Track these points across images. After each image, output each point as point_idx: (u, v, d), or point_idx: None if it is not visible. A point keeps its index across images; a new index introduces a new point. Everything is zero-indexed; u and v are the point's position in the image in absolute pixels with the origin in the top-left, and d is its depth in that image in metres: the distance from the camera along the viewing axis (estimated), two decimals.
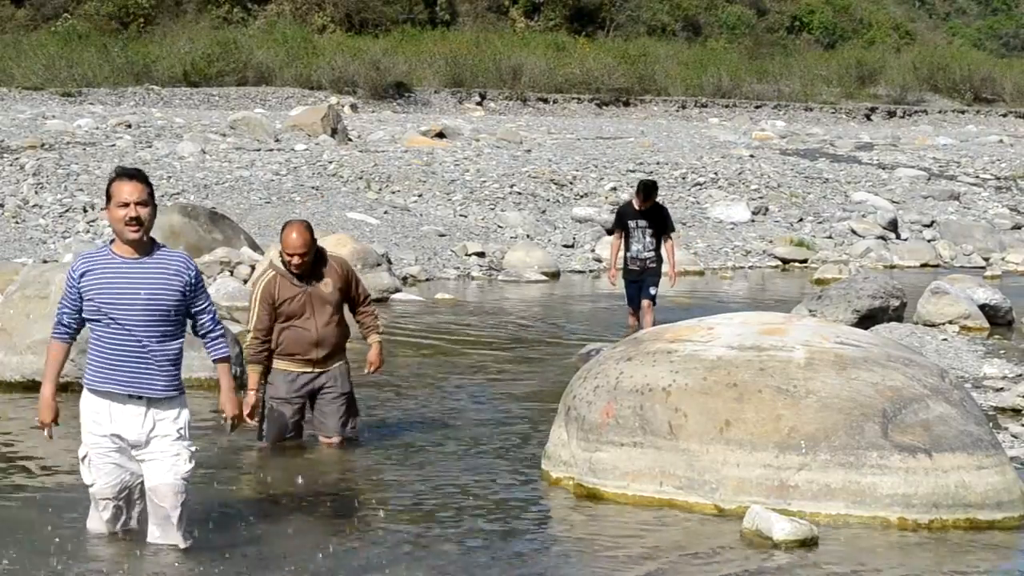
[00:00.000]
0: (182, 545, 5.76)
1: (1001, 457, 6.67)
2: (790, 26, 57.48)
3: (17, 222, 17.10)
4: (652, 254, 12.31)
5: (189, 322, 5.85)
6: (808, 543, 6.03)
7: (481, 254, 17.98)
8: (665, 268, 12.52)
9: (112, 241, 5.75)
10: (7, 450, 7.81)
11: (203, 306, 5.80)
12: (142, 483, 5.78)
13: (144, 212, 5.61)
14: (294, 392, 7.74)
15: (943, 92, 51.92)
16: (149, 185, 5.70)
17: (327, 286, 7.67)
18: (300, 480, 7.24)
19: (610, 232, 13.01)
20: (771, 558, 5.90)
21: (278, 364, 7.71)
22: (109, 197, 5.68)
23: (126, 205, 5.59)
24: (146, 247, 5.69)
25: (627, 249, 12.41)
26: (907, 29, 61.77)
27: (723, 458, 6.54)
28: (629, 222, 12.39)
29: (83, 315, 5.68)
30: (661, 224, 12.40)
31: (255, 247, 16.00)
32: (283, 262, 7.62)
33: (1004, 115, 49.46)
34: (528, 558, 5.97)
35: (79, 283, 5.64)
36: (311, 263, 7.62)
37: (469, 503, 6.86)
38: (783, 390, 6.62)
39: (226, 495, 6.89)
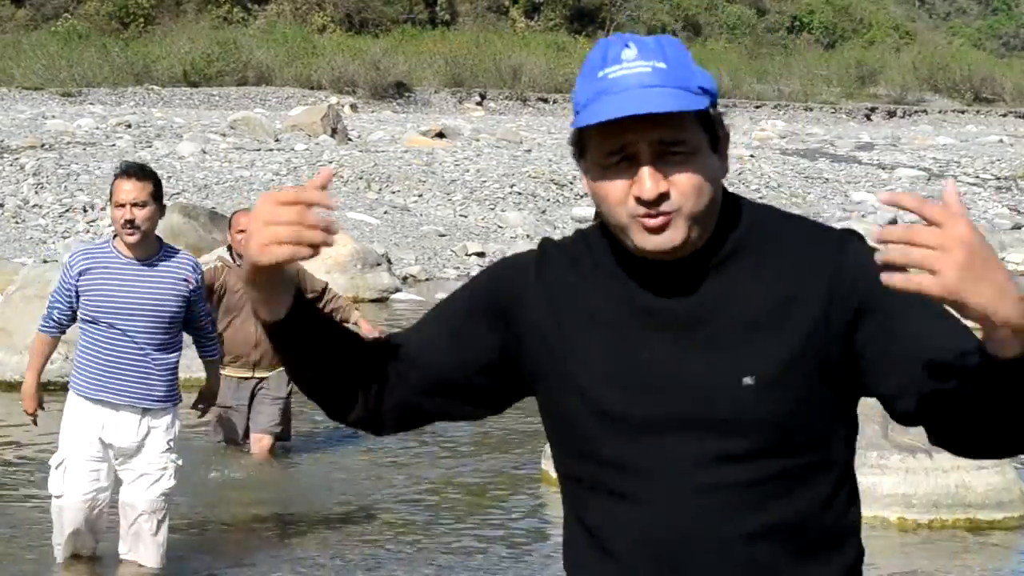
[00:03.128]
0: (157, 566, 5.34)
1: None
2: (790, 26, 57.53)
3: (17, 222, 17.09)
4: None
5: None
6: None
7: (481, 254, 17.97)
8: None
9: (115, 236, 5.26)
10: (7, 450, 7.81)
11: (202, 312, 5.44)
12: (111, 500, 5.36)
13: (141, 214, 5.11)
14: (239, 400, 7.57)
15: (943, 92, 51.93)
16: (153, 183, 5.18)
17: None
18: (300, 482, 7.25)
19: None
20: None
21: (223, 371, 7.56)
22: (112, 195, 5.21)
23: (122, 206, 5.11)
24: (149, 250, 5.22)
25: None
26: (907, 29, 61.80)
27: None
28: None
29: (78, 315, 5.23)
30: None
31: None
32: (234, 253, 7.30)
33: (1004, 115, 49.42)
34: (528, 558, 5.97)
35: (76, 281, 5.17)
36: None
37: (469, 503, 6.86)
38: None
39: (221, 499, 6.89)
